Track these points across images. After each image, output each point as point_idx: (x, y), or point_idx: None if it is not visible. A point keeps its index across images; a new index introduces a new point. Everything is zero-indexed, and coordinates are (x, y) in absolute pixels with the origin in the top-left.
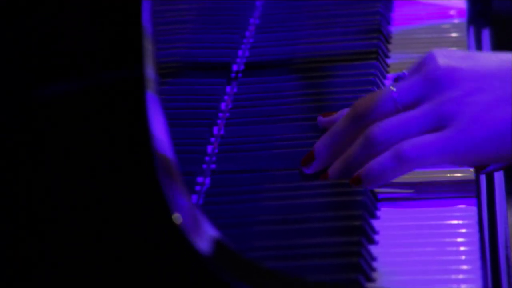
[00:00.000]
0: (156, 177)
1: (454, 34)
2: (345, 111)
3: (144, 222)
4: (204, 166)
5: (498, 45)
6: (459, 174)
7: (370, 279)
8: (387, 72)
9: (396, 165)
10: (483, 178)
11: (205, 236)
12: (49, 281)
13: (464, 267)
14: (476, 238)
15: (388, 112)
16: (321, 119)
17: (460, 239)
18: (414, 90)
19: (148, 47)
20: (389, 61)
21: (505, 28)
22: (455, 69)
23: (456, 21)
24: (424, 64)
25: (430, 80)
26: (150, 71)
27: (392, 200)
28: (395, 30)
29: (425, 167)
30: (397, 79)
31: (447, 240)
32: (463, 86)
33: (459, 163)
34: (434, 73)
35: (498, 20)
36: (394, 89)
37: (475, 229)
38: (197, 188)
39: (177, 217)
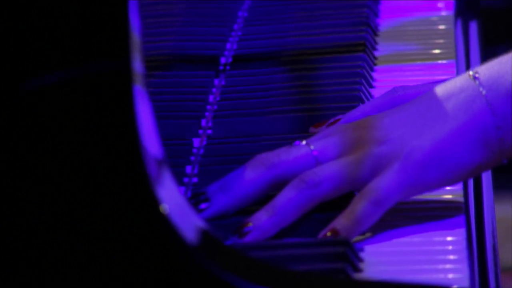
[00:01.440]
0: (144, 168)
1: (441, 27)
2: (336, 119)
3: (131, 213)
4: (192, 158)
5: (486, 38)
6: None
7: (357, 269)
8: (375, 64)
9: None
10: None
11: (192, 226)
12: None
13: (451, 257)
14: (463, 228)
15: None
16: (313, 130)
17: (447, 229)
18: (333, 149)
19: (136, 40)
20: (376, 53)
21: (492, 20)
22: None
23: (443, 13)
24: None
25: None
26: (137, 64)
27: None
28: (383, 22)
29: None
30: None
31: (434, 230)
32: (383, 127)
33: (413, 193)
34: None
35: (485, 12)
36: (313, 147)
37: (462, 219)
38: (185, 179)
39: (164, 208)
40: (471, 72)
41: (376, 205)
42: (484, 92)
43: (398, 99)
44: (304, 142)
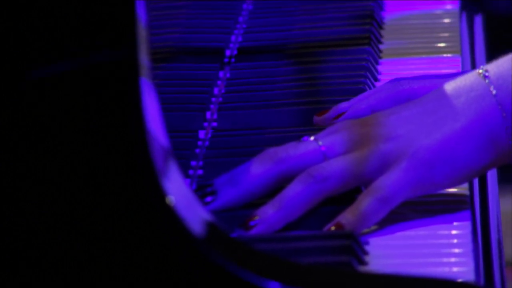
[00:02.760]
0: (150, 160)
1: (446, 20)
2: (339, 106)
3: (137, 204)
4: (197, 150)
5: (490, 32)
6: None
7: (363, 262)
8: (380, 57)
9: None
10: None
11: (199, 218)
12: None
13: (456, 250)
14: (468, 221)
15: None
16: (316, 118)
17: (452, 223)
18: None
19: (142, 32)
20: (382, 47)
21: (496, 14)
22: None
23: (448, 7)
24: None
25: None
26: (143, 57)
27: None
28: (388, 16)
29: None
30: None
31: (439, 223)
32: (391, 124)
33: (420, 192)
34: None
35: (490, 6)
36: (321, 143)
37: (467, 213)
38: (190, 172)
39: (170, 200)
40: (480, 70)
41: (383, 202)
42: (494, 92)
43: (404, 92)
44: (312, 138)
